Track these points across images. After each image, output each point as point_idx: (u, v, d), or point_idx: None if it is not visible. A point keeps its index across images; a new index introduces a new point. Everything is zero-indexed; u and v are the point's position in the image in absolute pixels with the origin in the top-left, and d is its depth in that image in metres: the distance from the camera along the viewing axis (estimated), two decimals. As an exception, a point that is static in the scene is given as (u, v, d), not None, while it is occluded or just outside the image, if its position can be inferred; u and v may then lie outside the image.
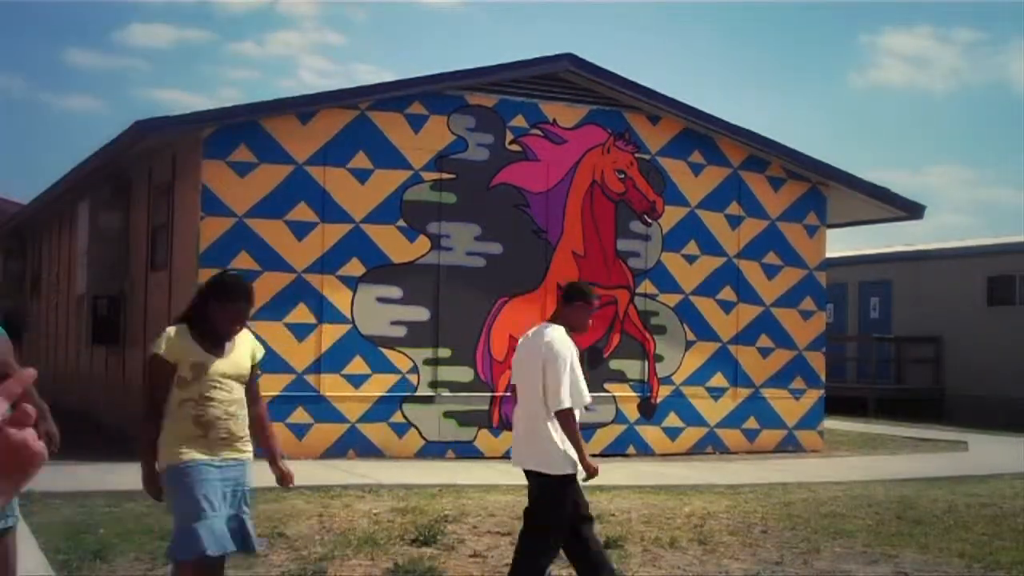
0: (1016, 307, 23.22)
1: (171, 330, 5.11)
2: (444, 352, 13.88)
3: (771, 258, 15.95)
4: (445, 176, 13.93)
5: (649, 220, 15.13)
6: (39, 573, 6.70)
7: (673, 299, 15.24)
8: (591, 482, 6.33)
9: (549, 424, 6.05)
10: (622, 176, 14.96)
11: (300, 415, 12.97)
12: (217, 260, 12.72)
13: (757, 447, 15.60)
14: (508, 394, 14.19)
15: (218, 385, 4.99)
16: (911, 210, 17.37)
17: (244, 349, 5.17)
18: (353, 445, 13.21)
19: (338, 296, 13.38)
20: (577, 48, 27.32)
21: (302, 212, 13.24)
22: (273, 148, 13.13)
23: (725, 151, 15.66)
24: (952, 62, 60.90)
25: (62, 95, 68.22)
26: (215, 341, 5.06)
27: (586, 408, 6.24)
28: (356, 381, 13.37)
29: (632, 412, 14.96)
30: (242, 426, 5.09)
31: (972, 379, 23.46)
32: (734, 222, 15.70)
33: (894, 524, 9.68)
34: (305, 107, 13.43)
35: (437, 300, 13.86)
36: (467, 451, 13.83)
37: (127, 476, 10.61)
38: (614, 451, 14.67)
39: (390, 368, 13.60)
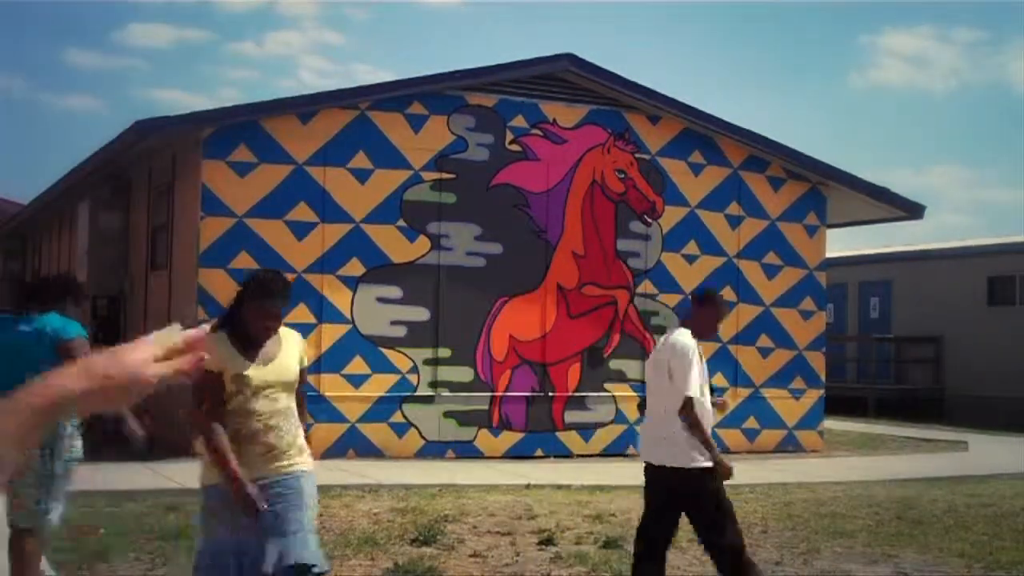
0: (1016, 307, 23.21)
1: (210, 339, 4.82)
2: (444, 352, 13.88)
3: (771, 258, 15.95)
4: (445, 176, 13.93)
5: (649, 220, 15.13)
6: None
7: (673, 299, 15.24)
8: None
9: (680, 421, 6.21)
10: (622, 176, 14.96)
11: (300, 415, 12.97)
12: (217, 260, 12.73)
13: (757, 447, 15.60)
14: (508, 394, 14.21)
15: (260, 395, 4.61)
16: (911, 210, 17.37)
17: (291, 353, 4.79)
18: (353, 445, 13.21)
19: (338, 296, 13.38)
20: (577, 48, 27.33)
21: (302, 212, 13.24)
22: (273, 148, 13.13)
23: (725, 151, 15.66)
24: (952, 62, 60.91)
25: (62, 95, 68.25)
26: (255, 346, 4.68)
27: (712, 404, 6.39)
28: (356, 381, 13.37)
29: (632, 412, 14.94)
30: (287, 438, 4.66)
31: (972, 379, 23.45)
32: (734, 222, 15.70)
33: (894, 524, 9.68)
34: (305, 107, 13.43)
35: (437, 300, 13.86)
36: (467, 451, 13.83)
37: (127, 476, 10.62)
38: (614, 451, 14.68)
39: (390, 368, 13.60)
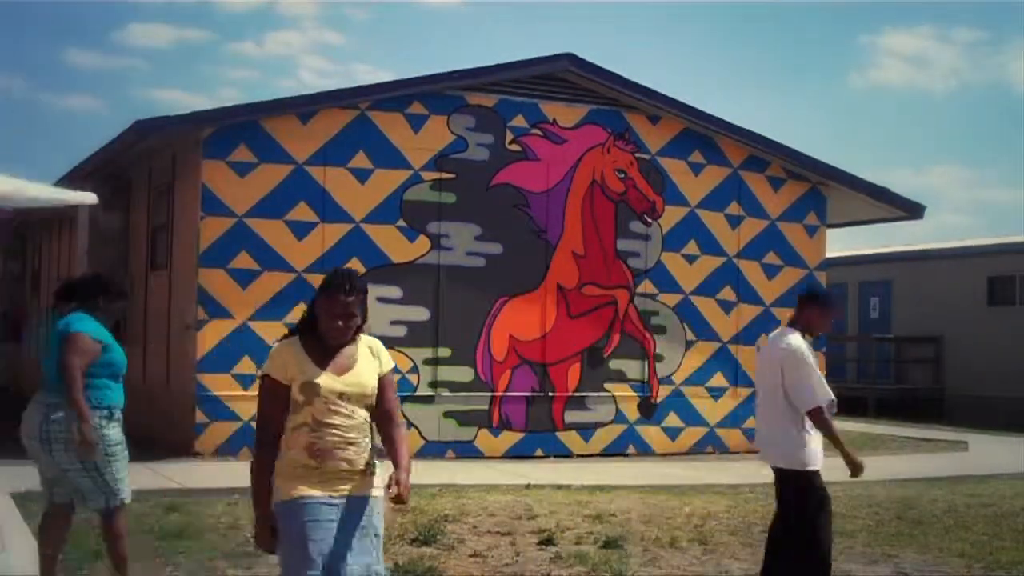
0: (1016, 307, 23.22)
1: (279, 343, 4.34)
2: (444, 352, 13.89)
3: (771, 258, 15.96)
4: (445, 176, 13.94)
5: (649, 220, 15.14)
6: (39, 573, 6.68)
7: (673, 299, 15.24)
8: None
9: (792, 423, 6.30)
10: (622, 176, 14.97)
11: (300, 415, 12.98)
12: (217, 260, 12.74)
13: (757, 447, 15.57)
14: (508, 394, 14.22)
15: (335, 407, 4.23)
16: (911, 210, 17.37)
17: (369, 363, 4.38)
18: (353, 445, 13.19)
19: (338, 296, 13.35)
20: (577, 48, 27.33)
21: (302, 212, 13.24)
22: (273, 148, 13.13)
23: (725, 151, 15.66)
24: (952, 62, 60.93)
25: (62, 95, 68.23)
26: (328, 352, 4.29)
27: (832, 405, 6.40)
28: (356, 381, 13.34)
29: (632, 412, 14.96)
30: (365, 455, 4.29)
31: (972, 379, 23.45)
32: (734, 222, 15.71)
33: (894, 524, 9.68)
34: (305, 107, 13.43)
35: (437, 300, 13.86)
36: (467, 451, 13.83)
37: (127, 476, 10.60)
38: (614, 451, 14.68)
39: (390, 368, 13.58)
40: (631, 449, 14.89)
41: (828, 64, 62.33)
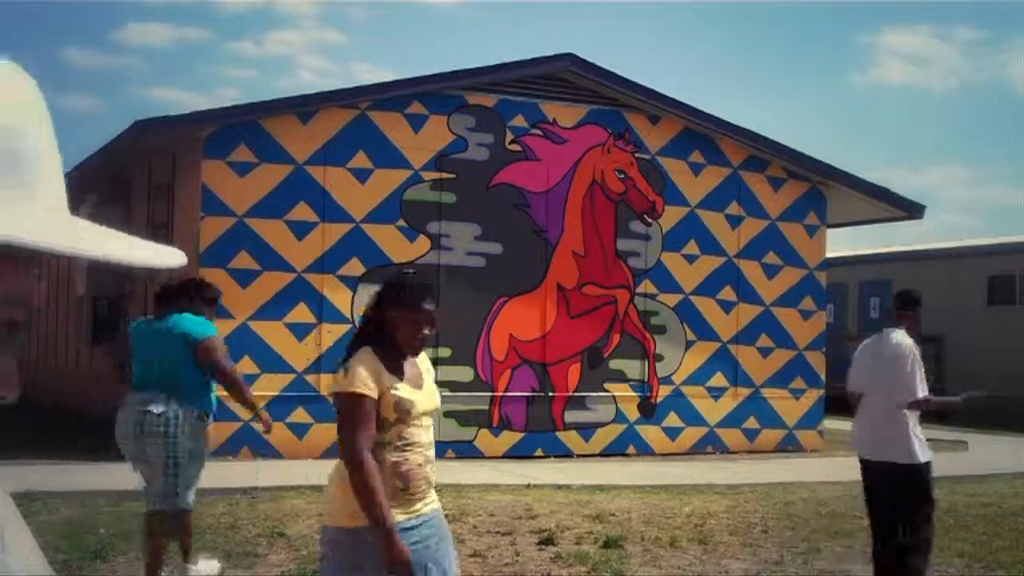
0: (1016, 307, 23.21)
1: (362, 355, 3.92)
2: (444, 352, 13.87)
3: (771, 258, 15.96)
4: (445, 176, 13.94)
5: (649, 220, 15.13)
6: (39, 573, 6.69)
7: (673, 299, 15.24)
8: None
9: (910, 419, 6.68)
10: (622, 176, 14.96)
11: (300, 415, 12.97)
12: (217, 260, 12.73)
13: (757, 447, 15.60)
14: (508, 394, 14.21)
15: (418, 424, 3.99)
16: (911, 210, 17.37)
17: (431, 375, 4.17)
18: (353, 445, 13.18)
19: (338, 296, 13.37)
20: (577, 48, 27.32)
21: (302, 212, 13.24)
22: (273, 148, 13.13)
23: (725, 151, 15.66)
24: (952, 61, 60.93)
25: (61, 94, 68.22)
26: (400, 365, 3.98)
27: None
28: (356, 381, 13.34)
29: (632, 412, 14.96)
30: (434, 471, 4.12)
31: (972, 379, 23.39)
32: (734, 222, 15.71)
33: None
34: (305, 107, 13.44)
35: (437, 300, 13.81)
36: (467, 451, 13.82)
37: (127, 476, 10.61)
38: (614, 451, 14.68)
39: (390, 368, 13.58)
40: (631, 449, 14.89)
41: (828, 64, 62.36)
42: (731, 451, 15.39)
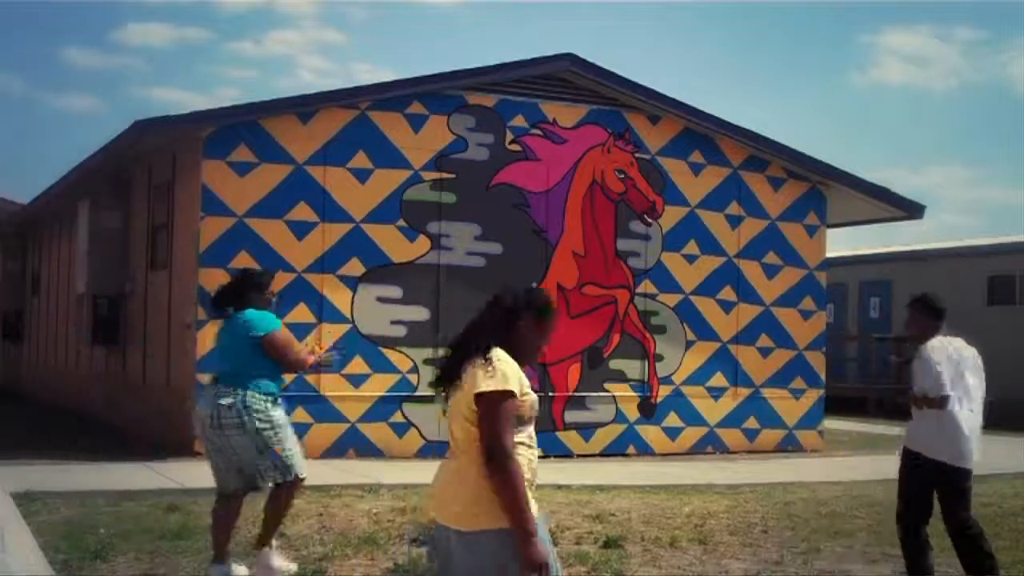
0: (1016, 307, 23.20)
1: (503, 356, 4.05)
2: (444, 352, 13.85)
3: (771, 258, 15.96)
4: (445, 176, 13.94)
5: (649, 220, 15.13)
6: (39, 573, 6.69)
7: (673, 299, 15.24)
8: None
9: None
10: (622, 176, 14.96)
11: (300, 415, 12.94)
12: (217, 260, 12.73)
13: (757, 447, 15.60)
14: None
15: (533, 426, 4.13)
16: (911, 210, 17.37)
17: None
18: (353, 445, 13.20)
19: (338, 296, 13.38)
20: (577, 48, 27.33)
21: (302, 212, 13.24)
22: (273, 148, 13.13)
23: (725, 151, 15.66)
24: (952, 61, 60.95)
25: (61, 94, 68.26)
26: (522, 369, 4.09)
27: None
28: (356, 381, 13.36)
29: (632, 412, 14.96)
30: None
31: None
32: (734, 222, 15.70)
33: (894, 524, 9.65)
34: (305, 107, 13.43)
35: (437, 300, 13.85)
36: (467, 451, 13.80)
37: (127, 476, 10.61)
38: (614, 451, 14.68)
39: (390, 368, 13.60)
40: (631, 449, 14.89)
41: (828, 64, 62.37)
42: (731, 451, 15.39)
